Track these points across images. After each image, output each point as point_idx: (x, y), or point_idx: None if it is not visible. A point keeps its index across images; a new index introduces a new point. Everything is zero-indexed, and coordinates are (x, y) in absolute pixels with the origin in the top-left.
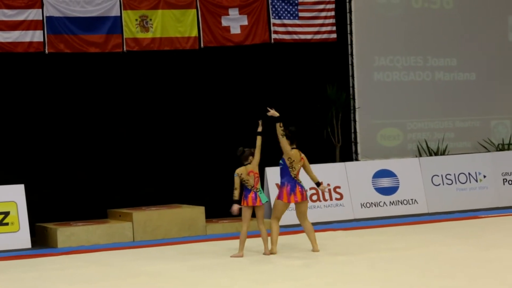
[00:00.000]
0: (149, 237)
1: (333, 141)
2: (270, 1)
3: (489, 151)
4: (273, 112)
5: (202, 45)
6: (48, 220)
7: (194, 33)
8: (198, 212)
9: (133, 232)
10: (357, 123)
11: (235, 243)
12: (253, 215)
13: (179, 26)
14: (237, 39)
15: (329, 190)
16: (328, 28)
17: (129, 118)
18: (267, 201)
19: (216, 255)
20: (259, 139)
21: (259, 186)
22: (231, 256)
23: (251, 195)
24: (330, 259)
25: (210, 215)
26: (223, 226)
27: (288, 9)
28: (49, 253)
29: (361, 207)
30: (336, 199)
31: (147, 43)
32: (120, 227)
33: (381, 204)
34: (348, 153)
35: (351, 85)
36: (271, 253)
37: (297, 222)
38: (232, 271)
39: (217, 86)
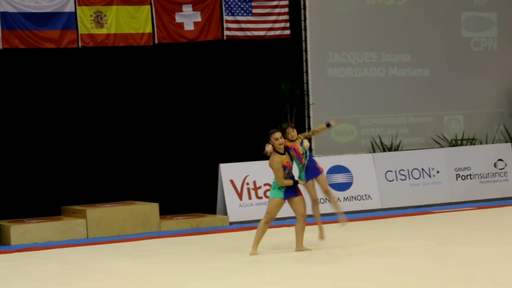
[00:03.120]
0: (103, 234)
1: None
2: None
3: (442, 146)
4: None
5: (156, 42)
6: (0, 217)
7: (148, 29)
8: (152, 208)
9: (87, 229)
10: (311, 119)
11: (190, 239)
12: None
13: (133, 22)
14: (191, 35)
15: None
16: (282, 25)
17: (82, 114)
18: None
19: (171, 251)
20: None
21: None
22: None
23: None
24: (283, 255)
25: (164, 212)
26: (178, 223)
27: (241, 6)
28: (2, 250)
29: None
30: None
31: (102, 39)
32: (74, 224)
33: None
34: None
35: (305, 81)
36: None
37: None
38: (188, 267)
39: (171, 82)
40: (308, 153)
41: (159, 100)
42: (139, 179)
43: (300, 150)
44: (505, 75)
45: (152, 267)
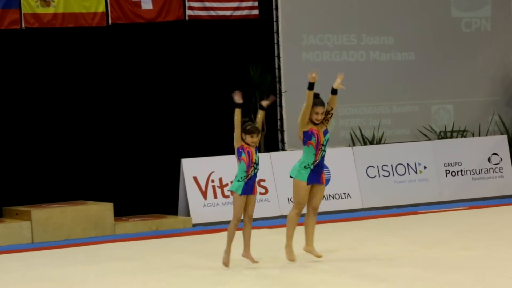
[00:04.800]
0: (51, 238)
1: None
2: None
3: (429, 139)
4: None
5: (110, 22)
6: None
7: (101, 8)
8: (105, 209)
9: (32, 232)
10: (283, 108)
11: (148, 243)
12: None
13: (84, 0)
14: (149, 15)
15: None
16: (250, 3)
17: (25, 106)
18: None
19: (127, 257)
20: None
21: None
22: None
23: None
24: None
25: (120, 213)
26: (134, 225)
27: None
28: None
29: (289, 203)
30: (261, 193)
31: (49, 19)
32: (17, 227)
33: None
34: (274, 142)
35: (276, 66)
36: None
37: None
38: (146, 274)
39: (127, 68)
40: (325, 148)
41: (112, 88)
42: (90, 176)
43: (322, 138)
44: (499, 59)
45: (105, 275)
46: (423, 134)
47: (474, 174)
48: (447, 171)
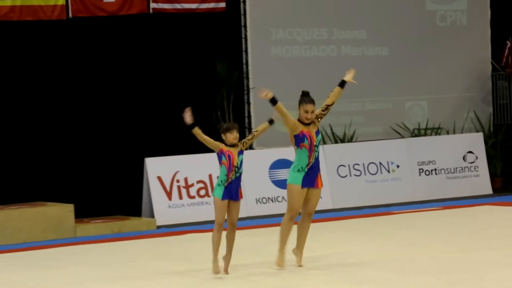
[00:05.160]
0: (8, 241)
1: None
2: None
3: (403, 137)
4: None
5: (70, 15)
6: None
7: (61, 1)
8: (66, 210)
9: None
10: (251, 105)
11: (111, 246)
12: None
13: None
14: (111, 8)
15: None
16: None
17: None
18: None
19: (88, 261)
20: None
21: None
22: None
23: None
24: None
25: (81, 214)
26: (96, 227)
27: None
28: None
29: (256, 203)
30: None
31: (5, 12)
32: None
33: (280, 199)
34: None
35: (244, 61)
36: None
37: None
38: (108, 279)
39: (87, 63)
40: (318, 149)
41: (72, 84)
42: (50, 176)
43: (314, 139)
44: (475, 54)
45: (65, 280)
46: (396, 132)
47: (448, 173)
48: (421, 170)
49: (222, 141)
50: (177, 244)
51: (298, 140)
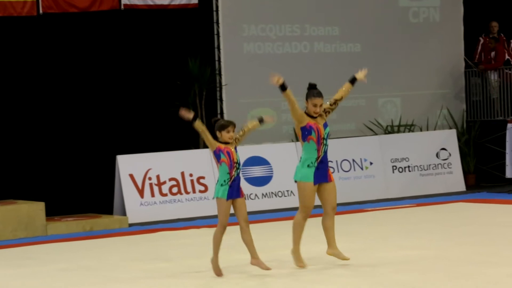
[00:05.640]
0: None
1: None
2: None
3: (376, 134)
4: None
5: (41, 11)
6: None
7: None
8: (36, 208)
9: None
10: (224, 102)
11: (82, 244)
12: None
13: None
14: (82, 4)
15: (192, 181)
16: None
17: None
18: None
19: (60, 259)
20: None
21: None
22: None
23: None
24: (187, 262)
25: (52, 212)
26: (67, 225)
27: None
28: None
29: None
30: (200, 191)
31: None
32: None
33: (252, 196)
34: (213, 138)
35: (216, 58)
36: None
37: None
38: (79, 278)
39: (58, 60)
40: (327, 142)
41: (43, 82)
42: (21, 174)
43: (322, 131)
44: (448, 51)
45: (36, 279)
46: (369, 129)
47: (422, 170)
48: (394, 167)
49: (215, 138)
50: (149, 242)
51: (305, 132)
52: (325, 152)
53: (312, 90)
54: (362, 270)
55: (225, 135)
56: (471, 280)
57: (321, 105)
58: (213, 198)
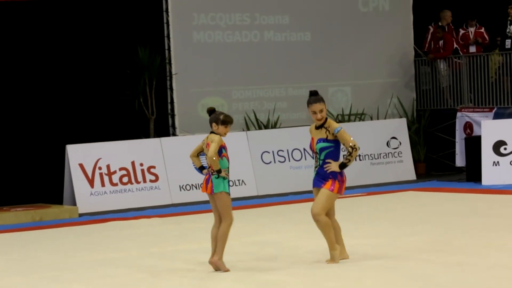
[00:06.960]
0: None
1: (147, 113)
2: None
3: None
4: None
5: None
6: None
7: None
8: None
9: None
10: (174, 91)
11: (32, 235)
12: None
13: None
14: None
15: (142, 170)
16: None
17: None
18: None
19: (8, 250)
20: None
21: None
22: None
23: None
24: (141, 251)
25: (0, 202)
26: (16, 215)
27: None
28: None
29: (180, 190)
30: (151, 180)
31: None
32: None
33: None
34: (164, 127)
35: (166, 47)
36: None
37: None
38: (28, 269)
39: (6, 49)
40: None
41: None
42: None
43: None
44: (398, 40)
45: None
46: None
47: (372, 159)
48: (345, 156)
49: (211, 132)
50: (99, 232)
51: (310, 143)
52: (322, 162)
53: (310, 97)
54: (313, 259)
55: (222, 129)
56: (420, 270)
57: (321, 111)
58: (213, 193)
